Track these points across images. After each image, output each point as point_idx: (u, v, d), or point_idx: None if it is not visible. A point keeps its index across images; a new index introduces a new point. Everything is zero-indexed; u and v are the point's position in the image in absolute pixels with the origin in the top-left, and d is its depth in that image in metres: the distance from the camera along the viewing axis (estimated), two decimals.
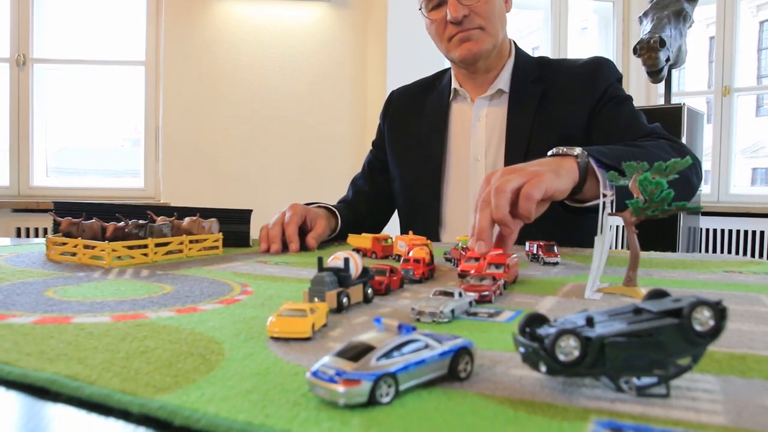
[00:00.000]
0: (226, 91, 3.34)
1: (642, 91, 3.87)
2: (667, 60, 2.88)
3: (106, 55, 3.57)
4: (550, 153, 0.98)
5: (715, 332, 0.36)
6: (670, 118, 2.95)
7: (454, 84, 1.48)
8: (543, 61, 1.48)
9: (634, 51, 2.91)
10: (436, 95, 1.53)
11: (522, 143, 1.35)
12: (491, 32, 1.36)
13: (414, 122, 1.53)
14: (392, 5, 3.27)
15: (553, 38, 3.82)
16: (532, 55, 1.50)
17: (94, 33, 3.67)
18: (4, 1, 3.33)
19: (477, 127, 1.44)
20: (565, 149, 0.96)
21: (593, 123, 1.35)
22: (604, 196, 0.92)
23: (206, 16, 3.31)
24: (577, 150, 0.95)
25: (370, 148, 1.66)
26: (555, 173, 0.88)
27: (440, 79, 1.56)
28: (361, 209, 1.54)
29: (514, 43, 1.49)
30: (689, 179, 1.18)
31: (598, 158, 0.96)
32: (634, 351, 0.35)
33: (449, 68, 1.54)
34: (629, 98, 1.39)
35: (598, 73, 1.38)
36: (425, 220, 1.45)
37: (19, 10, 3.33)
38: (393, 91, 1.67)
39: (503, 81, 1.42)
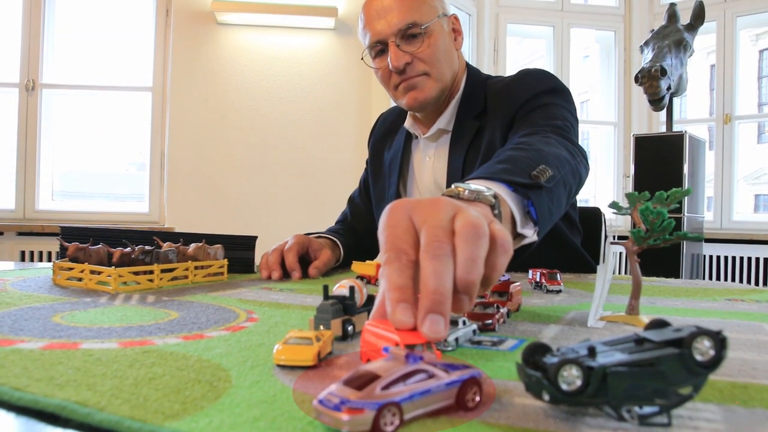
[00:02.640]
0: (231, 118, 3.37)
1: (644, 119, 3.91)
2: (669, 88, 2.91)
3: (113, 81, 3.62)
4: (450, 192, 0.68)
5: (715, 362, 0.36)
6: (672, 145, 2.98)
7: (407, 123, 1.44)
8: (487, 87, 1.35)
9: (636, 80, 2.94)
10: (403, 128, 1.48)
11: None
12: (437, 77, 1.29)
13: (385, 153, 1.53)
14: None
15: (556, 66, 3.87)
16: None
17: (102, 59, 3.73)
18: (16, 27, 3.40)
19: (424, 168, 1.40)
20: (472, 191, 0.67)
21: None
22: (523, 236, 0.76)
23: (213, 43, 3.36)
24: (487, 194, 0.67)
25: (365, 166, 1.66)
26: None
27: None
28: (359, 228, 1.53)
29: (469, 69, 1.40)
30: (578, 171, 1.02)
31: (510, 181, 0.78)
32: (635, 380, 0.36)
33: None
34: (549, 104, 1.22)
35: (518, 85, 1.28)
36: None
37: (30, 36, 3.39)
38: (382, 113, 1.65)
39: (444, 121, 1.35)
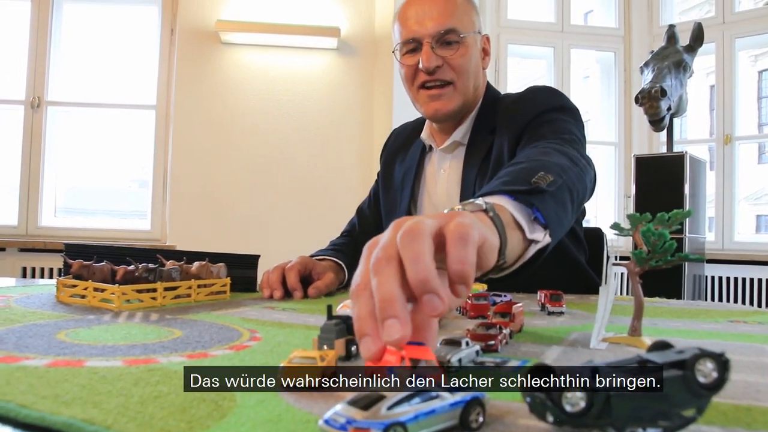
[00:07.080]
0: (234, 136, 3.39)
1: (645, 140, 3.92)
2: (669, 109, 2.92)
3: (118, 99, 3.65)
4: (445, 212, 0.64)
5: (718, 384, 0.36)
6: (673, 165, 2.99)
7: (424, 134, 1.45)
8: (498, 102, 1.37)
9: (636, 100, 2.96)
10: (418, 141, 1.49)
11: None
12: (461, 90, 1.31)
13: (397, 167, 1.53)
14: None
15: (556, 86, 3.88)
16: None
17: (107, 77, 3.76)
18: (22, 45, 3.44)
19: (439, 180, 1.40)
20: (461, 206, 0.66)
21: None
22: (535, 242, 0.75)
23: (217, 62, 3.39)
24: (479, 201, 0.67)
25: (376, 178, 1.66)
26: (479, 222, 0.56)
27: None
28: (367, 239, 1.53)
29: (487, 88, 1.41)
30: (582, 177, 0.99)
31: (510, 190, 0.77)
32: (639, 402, 0.36)
33: None
34: (556, 120, 1.22)
35: (527, 102, 1.29)
36: None
37: (36, 54, 3.43)
38: (395, 128, 1.67)
39: (460, 133, 1.36)
